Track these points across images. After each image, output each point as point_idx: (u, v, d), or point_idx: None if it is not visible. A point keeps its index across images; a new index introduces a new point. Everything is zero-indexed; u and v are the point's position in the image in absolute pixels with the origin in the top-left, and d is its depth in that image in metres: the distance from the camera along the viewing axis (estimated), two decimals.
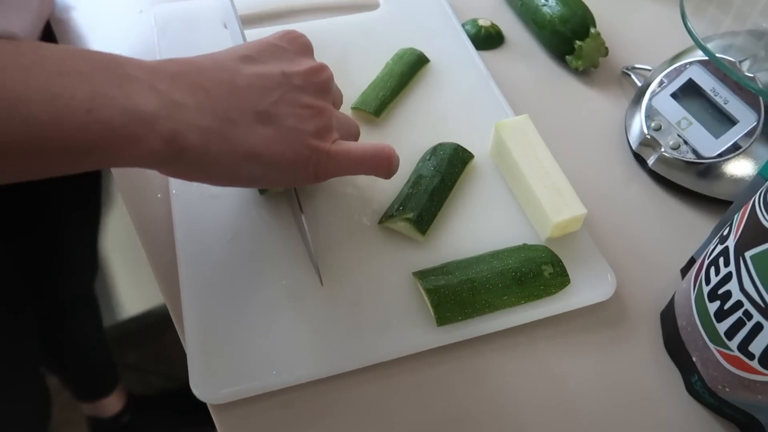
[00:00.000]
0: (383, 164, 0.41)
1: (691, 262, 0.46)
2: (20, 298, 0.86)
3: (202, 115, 0.34)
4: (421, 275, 0.42)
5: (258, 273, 0.43)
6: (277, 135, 0.36)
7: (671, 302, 0.43)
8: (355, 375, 0.40)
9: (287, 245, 0.45)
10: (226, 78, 0.36)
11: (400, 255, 0.45)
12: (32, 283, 0.88)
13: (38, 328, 0.97)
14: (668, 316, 0.42)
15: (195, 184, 0.47)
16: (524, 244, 0.45)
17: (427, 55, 0.57)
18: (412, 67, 0.55)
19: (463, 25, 0.62)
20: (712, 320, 0.37)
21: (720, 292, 0.36)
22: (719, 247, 0.37)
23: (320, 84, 0.40)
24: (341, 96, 0.47)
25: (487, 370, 0.41)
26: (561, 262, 0.43)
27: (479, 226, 0.47)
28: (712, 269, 0.37)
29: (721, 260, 0.37)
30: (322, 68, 0.41)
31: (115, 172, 0.50)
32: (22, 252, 0.81)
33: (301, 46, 0.41)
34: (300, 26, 0.59)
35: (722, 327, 0.36)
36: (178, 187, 0.47)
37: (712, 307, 0.37)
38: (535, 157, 0.47)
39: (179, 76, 0.34)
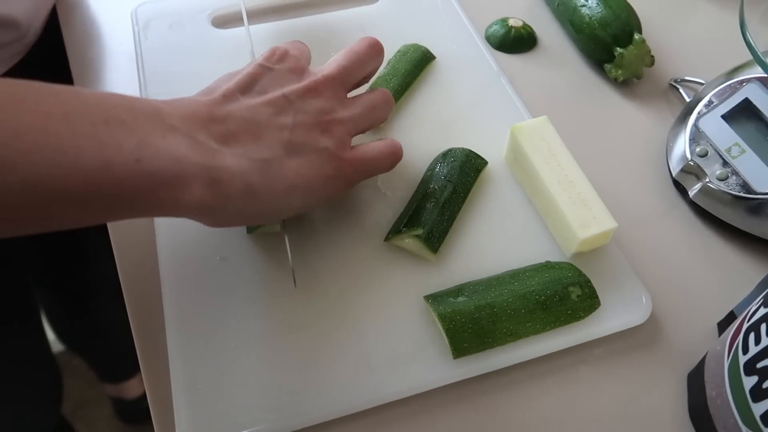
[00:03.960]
0: (396, 159, 0.41)
1: (731, 317, 0.39)
2: (33, 280, 0.86)
3: (240, 161, 0.34)
4: (434, 299, 0.38)
5: (252, 300, 0.39)
6: (306, 162, 0.36)
7: (701, 364, 0.36)
8: (361, 417, 0.36)
9: (283, 269, 0.40)
10: (248, 117, 0.36)
11: (409, 276, 0.40)
12: (56, 268, 0.89)
13: (63, 312, 0.98)
14: (696, 380, 0.36)
15: None
16: (547, 262, 0.40)
17: (432, 51, 0.52)
18: (416, 65, 0.50)
19: (490, 25, 0.56)
20: (746, 398, 0.30)
21: (759, 365, 0.30)
22: (762, 311, 0.31)
23: (323, 93, 0.38)
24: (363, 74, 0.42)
25: (509, 406, 0.36)
26: (589, 282, 0.38)
27: (496, 242, 0.42)
28: (752, 336, 0.31)
29: (764, 327, 0.30)
30: (320, 81, 0.39)
31: None
32: (47, 237, 0.81)
33: (291, 61, 0.39)
34: (294, 23, 0.55)
35: (758, 409, 0.30)
36: None
37: (748, 382, 0.30)
38: (556, 164, 0.41)
39: (210, 124, 0.34)
